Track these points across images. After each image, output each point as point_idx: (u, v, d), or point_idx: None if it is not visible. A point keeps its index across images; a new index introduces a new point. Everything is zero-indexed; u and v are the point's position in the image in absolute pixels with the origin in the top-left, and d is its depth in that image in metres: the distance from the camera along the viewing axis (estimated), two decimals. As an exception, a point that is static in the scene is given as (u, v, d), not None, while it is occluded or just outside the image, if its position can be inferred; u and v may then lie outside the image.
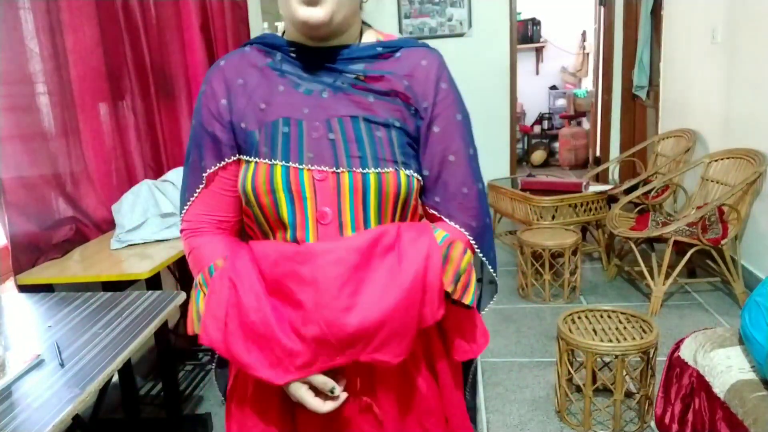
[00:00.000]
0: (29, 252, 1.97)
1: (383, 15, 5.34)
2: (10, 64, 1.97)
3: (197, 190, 0.95)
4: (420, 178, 0.92)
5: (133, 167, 2.68)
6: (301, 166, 0.86)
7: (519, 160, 6.58)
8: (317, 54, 0.91)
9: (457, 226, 0.93)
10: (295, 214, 0.88)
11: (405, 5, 5.35)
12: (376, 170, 0.87)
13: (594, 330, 2.18)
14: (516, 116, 5.69)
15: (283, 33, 0.96)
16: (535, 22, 7.28)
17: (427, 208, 0.95)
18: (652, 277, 3.08)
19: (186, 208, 0.97)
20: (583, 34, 7.16)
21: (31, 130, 2.05)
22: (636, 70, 4.79)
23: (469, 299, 0.90)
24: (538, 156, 7.08)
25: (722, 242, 2.99)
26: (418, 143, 0.92)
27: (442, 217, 0.93)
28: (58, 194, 2.14)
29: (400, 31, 5.40)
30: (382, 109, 0.89)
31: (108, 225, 2.36)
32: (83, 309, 1.56)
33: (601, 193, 3.76)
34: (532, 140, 7.30)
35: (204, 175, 0.93)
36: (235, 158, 0.92)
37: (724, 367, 1.69)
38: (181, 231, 0.98)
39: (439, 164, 0.92)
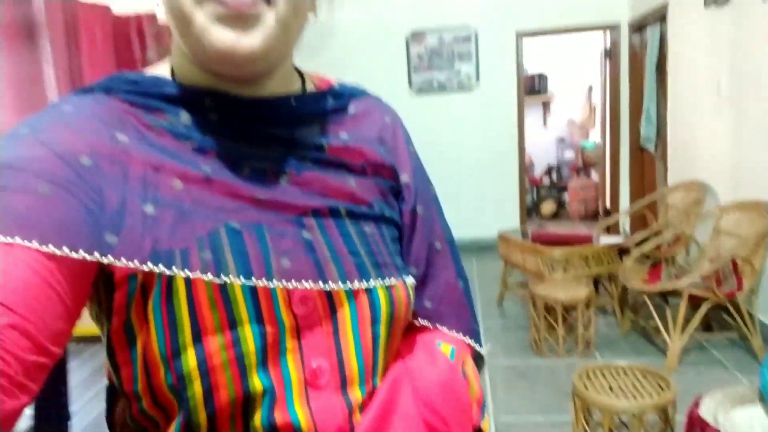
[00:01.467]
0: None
1: (392, 70, 5.47)
2: (30, 115, 2.02)
3: None
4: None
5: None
6: (272, 284, 0.52)
7: (529, 211, 6.59)
8: (247, 109, 0.58)
9: (457, 334, 0.68)
10: (269, 374, 0.53)
11: (414, 60, 5.48)
12: (383, 282, 0.59)
13: (610, 387, 2.12)
14: (525, 167, 5.73)
15: (172, 73, 0.59)
16: (542, 77, 7.41)
17: (414, 318, 0.67)
18: (668, 332, 3.03)
19: None
20: (590, 88, 7.27)
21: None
22: (643, 123, 4.84)
23: (487, 426, 0.67)
24: (548, 207, 7.09)
25: (737, 295, 2.94)
26: (402, 234, 0.67)
27: (436, 325, 0.67)
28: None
29: (410, 84, 5.51)
30: (366, 193, 0.63)
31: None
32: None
33: (612, 245, 3.73)
34: (541, 191, 7.32)
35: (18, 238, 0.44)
36: (107, 259, 0.47)
37: (747, 428, 1.63)
38: None
39: (426, 257, 0.68)
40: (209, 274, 0.50)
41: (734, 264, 3.08)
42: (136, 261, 0.48)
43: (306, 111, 0.62)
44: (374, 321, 0.58)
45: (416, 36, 5.44)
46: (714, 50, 3.61)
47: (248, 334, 0.51)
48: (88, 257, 0.46)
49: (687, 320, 2.99)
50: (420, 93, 5.51)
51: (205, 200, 0.53)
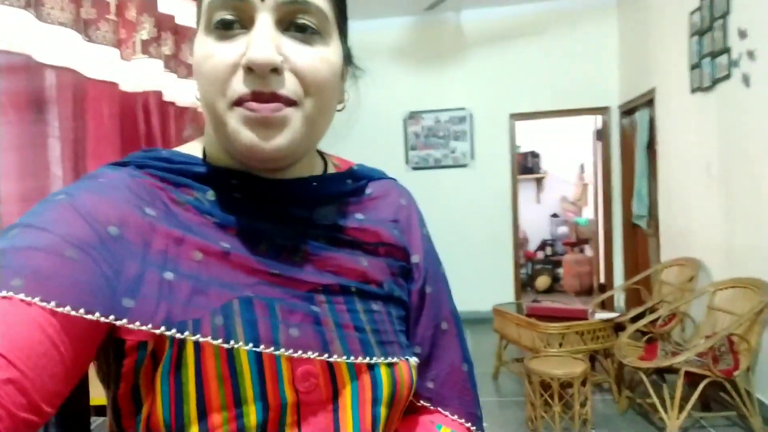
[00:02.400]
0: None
1: (389, 146, 5.62)
2: (32, 187, 2.06)
3: None
4: None
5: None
6: (278, 352, 0.54)
7: (523, 285, 6.58)
8: (271, 190, 0.61)
9: (459, 419, 0.68)
10: None
11: (411, 138, 5.64)
12: (386, 360, 0.59)
13: (608, 467, 2.07)
14: (519, 242, 5.78)
15: (204, 156, 0.62)
16: (534, 155, 7.60)
17: (416, 399, 0.67)
18: (665, 410, 2.97)
19: None
20: (582, 166, 7.44)
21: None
22: (635, 201, 4.93)
23: None
24: (543, 281, 7.09)
25: (735, 374, 2.91)
26: (409, 313, 0.68)
27: (438, 408, 0.67)
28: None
29: (407, 161, 5.64)
30: (377, 273, 0.64)
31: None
32: None
33: (607, 320, 3.72)
34: (536, 265, 7.35)
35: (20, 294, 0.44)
36: (121, 322, 0.49)
37: None
38: None
39: (431, 337, 0.68)
40: (219, 340, 0.52)
41: (730, 342, 3.06)
42: (150, 325, 0.50)
43: (325, 192, 0.64)
44: (375, 402, 0.57)
45: (413, 116, 5.63)
46: (702, 133, 3.74)
47: (251, 409, 0.52)
48: (103, 320, 0.47)
49: (685, 398, 2.95)
50: (416, 169, 5.64)
51: (222, 274, 0.55)
